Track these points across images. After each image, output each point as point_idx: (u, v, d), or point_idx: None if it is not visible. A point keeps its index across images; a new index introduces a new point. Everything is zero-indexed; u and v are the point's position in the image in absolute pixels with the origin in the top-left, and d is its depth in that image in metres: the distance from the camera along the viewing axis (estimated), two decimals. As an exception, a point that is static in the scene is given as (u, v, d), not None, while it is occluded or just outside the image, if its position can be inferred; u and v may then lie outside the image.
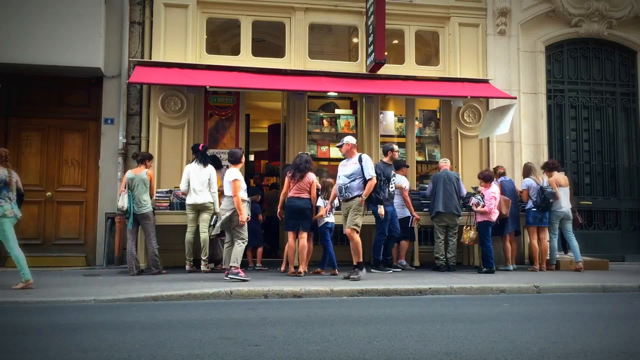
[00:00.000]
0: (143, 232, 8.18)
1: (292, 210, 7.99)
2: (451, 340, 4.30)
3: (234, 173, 7.56)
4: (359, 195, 7.54)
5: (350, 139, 7.96)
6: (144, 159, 8.33)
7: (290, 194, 8.03)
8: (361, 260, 7.55)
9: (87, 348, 4.04)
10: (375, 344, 4.16)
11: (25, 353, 3.91)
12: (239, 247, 7.44)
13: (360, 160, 7.66)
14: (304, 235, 8.05)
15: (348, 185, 7.61)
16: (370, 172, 7.60)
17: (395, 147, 8.73)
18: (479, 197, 8.72)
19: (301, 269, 7.96)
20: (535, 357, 3.85)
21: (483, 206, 8.62)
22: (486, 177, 8.89)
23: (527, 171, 9.25)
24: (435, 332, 4.61)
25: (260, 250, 8.90)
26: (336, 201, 8.20)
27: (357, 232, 7.54)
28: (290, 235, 8.09)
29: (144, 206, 7.98)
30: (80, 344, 4.16)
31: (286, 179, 8.21)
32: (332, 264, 8.20)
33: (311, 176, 8.13)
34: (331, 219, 8.29)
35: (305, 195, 8.04)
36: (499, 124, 9.41)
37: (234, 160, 7.77)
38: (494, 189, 8.76)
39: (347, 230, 7.58)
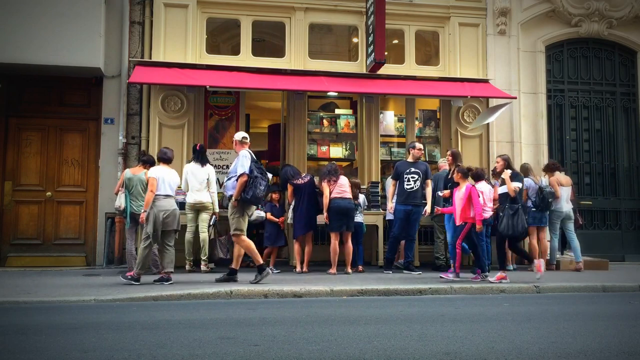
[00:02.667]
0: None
1: (337, 211, 8.13)
2: (451, 340, 4.29)
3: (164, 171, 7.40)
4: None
5: (236, 135, 7.36)
6: (148, 162, 8.31)
7: (332, 196, 8.18)
8: (261, 262, 7.10)
9: (87, 348, 4.04)
10: (375, 344, 4.16)
11: (25, 353, 3.91)
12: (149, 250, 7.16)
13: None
14: (348, 237, 8.28)
15: (225, 184, 7.28)
16: (239, 169, 6.88)
17: (417, 144, 8.71)
18: None
19: (348, 269, 8.26)
20: (535, 357, 3.85)
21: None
22: (474, 176, 8.88)
23: (525, 172, 9.25)
24: (435, 332, 4.61)
25: (270, 251, 8.66)
26: (362, 198, 8.70)
27: (241, 236, 7.00)
28: (334, 237, 8.27)
29: (142, 206, 7.96)
30: (80, 344, 4.15)
31: (324, 184, 8.23)
32: (358, 261, 8.59)
33: (344, 179, 8.37)
34: (359, 218, 8.53)
35: (348, 195, 8.23)
36: (489, 116, 9.57)
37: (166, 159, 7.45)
38: (481, 185, 8.72)
39: (233, 238, 7.16)
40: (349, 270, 8.27)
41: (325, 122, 10.30)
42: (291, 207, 8.47)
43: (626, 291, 7.32)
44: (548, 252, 9.13)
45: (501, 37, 10.30)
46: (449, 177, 8.12)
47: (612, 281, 7.67)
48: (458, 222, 7.50)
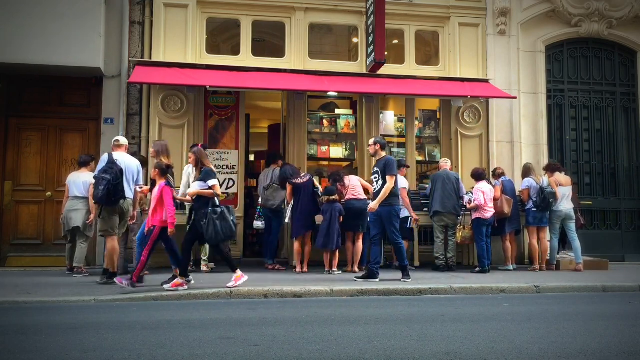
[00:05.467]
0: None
1: (351, 212, 8.21)
2: (451, 340, 4.30)
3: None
4: None
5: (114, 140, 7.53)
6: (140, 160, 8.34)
7: (347, 197, 8.34)
8: (113, 270, 7.00)
9: (87, 348, 4.04)
10: (375, 344, 4.16)
11: (25, 353, 3.91)
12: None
13: None
14: (360, 237, 8.38)
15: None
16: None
17: (370, 140, 8.01)
18: (470, 194, 8.77)
19: (355, 268, 8.35)
20: (535, 357, 3.85)
21: (474, 201, 8.62)
22: (474, 175, 8.91)
23: (527, 171, 9.26)
24: (435, 332, 4.61)
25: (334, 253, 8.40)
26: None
27: (107, 236, 7.05)
28: (348, 237, 8.44)
29: (131, 206, 7.95)
30: (80, 344, 4.16)
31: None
32: (363, 261, 8.58)
33: (355, 179, 8.52)
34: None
35: (362, 196, 8.37)
36: None
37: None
38: (482, 185, 8.73)
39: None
40: (356, 269, 8.33)
41: (325, 122, 10.30)
42: (290, 206, 8.46)
43: (626, 291, 7.32)
44: (548, 252, 9.13)
45: (501, 37, 10.30)
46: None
47: (612, 281, 7.67)
48: (148, 225, 6.73)
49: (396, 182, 7.50)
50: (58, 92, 9.53)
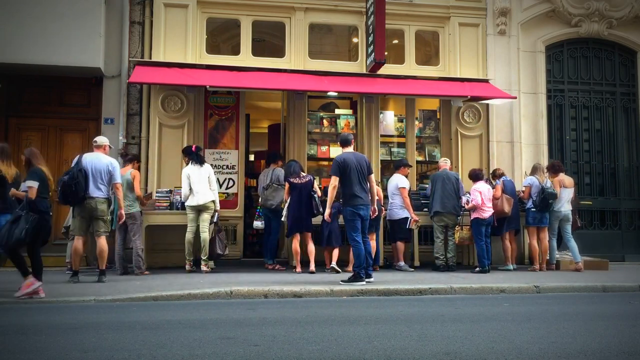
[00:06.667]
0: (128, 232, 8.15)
1: None
2: (451, 340, 4.29)
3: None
4: None
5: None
6: (133, 159, 8.37)
7: None
8: (75, 268, 7.34)
9: (87, 348, 4.04)
10: (375, 344, 4.16)
11: (25, 353, 3.91)
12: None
13: None
14: (372, 236, 8.20)
15: None
16: None
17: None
18: (468, 195, 8.77)
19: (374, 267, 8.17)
20: (535, 357, 3.85)
21: (472, 201, 8.61)
22: (472, 176, 8.91)
23: (533, 170, 9.25)
24: (435, 332, 4.61)
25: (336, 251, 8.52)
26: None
27: (75, 236, 7.44)
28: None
29: (130, 206, 7.97)
30: (80, 344, 4.16)
31: None
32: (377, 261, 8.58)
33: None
34: None
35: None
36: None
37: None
38: (479, 185, 8.73)
39: None
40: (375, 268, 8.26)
41: (325, 122, 10.29)
42: (286, 205, 8.44)
43: (626, 291, 7.32)
44: (548, 252, 9.13)
45: (501, 37, 10.30)
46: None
47: (612, 281, 7.67)
48: None
49: (350, 182, 7.06)
50: (58, 92, 9.55)
